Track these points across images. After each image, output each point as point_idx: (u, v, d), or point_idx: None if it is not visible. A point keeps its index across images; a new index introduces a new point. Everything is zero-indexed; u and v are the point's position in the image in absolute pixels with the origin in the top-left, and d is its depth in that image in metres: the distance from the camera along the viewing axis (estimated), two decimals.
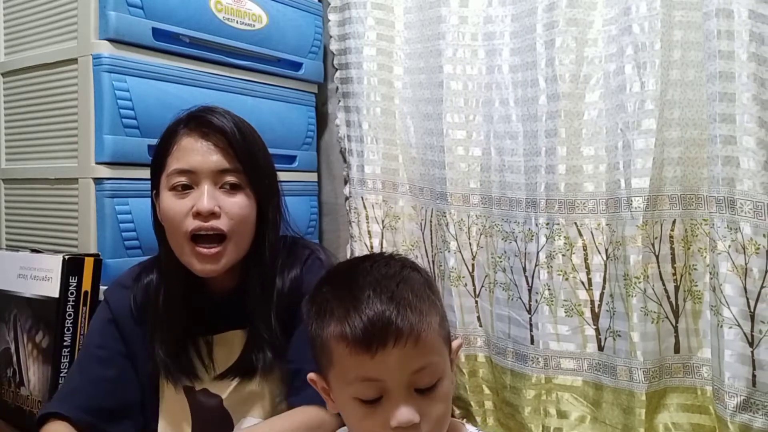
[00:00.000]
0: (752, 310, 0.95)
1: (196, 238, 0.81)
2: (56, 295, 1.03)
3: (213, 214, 0.79)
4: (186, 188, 0.81)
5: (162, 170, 0.83)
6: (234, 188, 0.82)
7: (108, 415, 0.87)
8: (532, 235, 1.20)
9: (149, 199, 1.12)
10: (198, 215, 0.79)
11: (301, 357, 0.83)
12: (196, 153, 0.80)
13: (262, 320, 0.85)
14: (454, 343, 0.67)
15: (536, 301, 1.19)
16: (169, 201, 0.81)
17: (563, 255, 1.16)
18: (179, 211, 0.80)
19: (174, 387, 0.88)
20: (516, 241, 1.23)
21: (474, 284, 1.31)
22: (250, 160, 0.83)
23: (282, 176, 1.40)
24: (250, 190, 0.83)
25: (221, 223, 0.80)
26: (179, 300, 0.86)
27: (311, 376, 0.64)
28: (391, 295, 0.60)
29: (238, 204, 0.82)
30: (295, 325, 0.86)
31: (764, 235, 0.94)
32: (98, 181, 1.09)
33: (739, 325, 0.96)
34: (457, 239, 1.31)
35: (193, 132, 0.82)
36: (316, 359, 0.64)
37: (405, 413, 0.57)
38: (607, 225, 1.13)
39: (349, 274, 0.64)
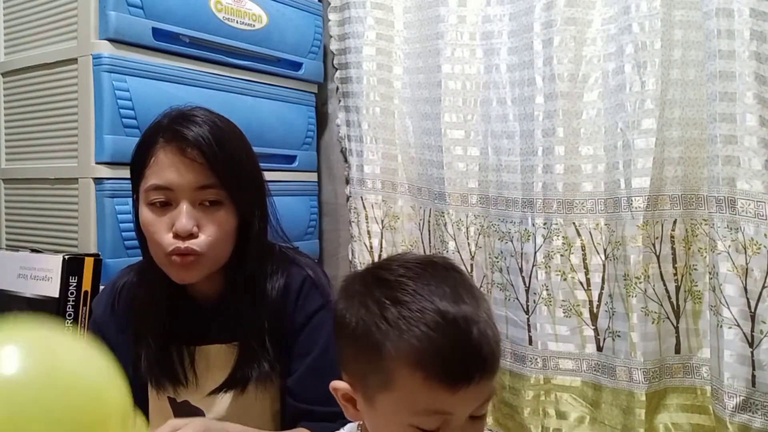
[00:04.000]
0: (753, 311, 0.95)
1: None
2: (56, 295, 1.03)
3: (191, 235, 0.78)
4: (164, 204, 0.78)
5: (140, 180, 0.81)
6: (213, 204, 0.79)
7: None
8: (529, 235, 1.19)
9: None
10: (177, 236, 0.77)
11: (308, 396, 0.81)
12: (173, 170, 0.77)
13: (254, 335, 0.83)
14: None
15: (534, 301, 1.19)
16: (148, 216, 0.79)
17: (561, 255, 1.16)
18: (158, 228, 0.78)
19: (158, 395, 0.86)
20: (512, 241, 1.22)
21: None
22: (229, 173, 0.79)
23: (282, 176, 1.43)
24: (230, 202, 0.80)
25: (197, 243, 0.77)
26: (161, 304, 0.84)
27: (336, 384, 0.60)
28: (476, 323, 0.54)
29: (217, 221, 0.79)
30: (282, 343, 0.85)
31: (766, 235, 0.94)
32: (98, 181, 1.09)
33: (738, 326, 0.96)
34: (455, 239, 1.31)
35: (169, 145, 0.78)
36: (358, 373, 0.58)
37: None
38: (605, 225, 1.13)
39: (414, 285, 0.56)
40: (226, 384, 0.84)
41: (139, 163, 0.81)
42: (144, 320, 0.85)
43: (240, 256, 0.83)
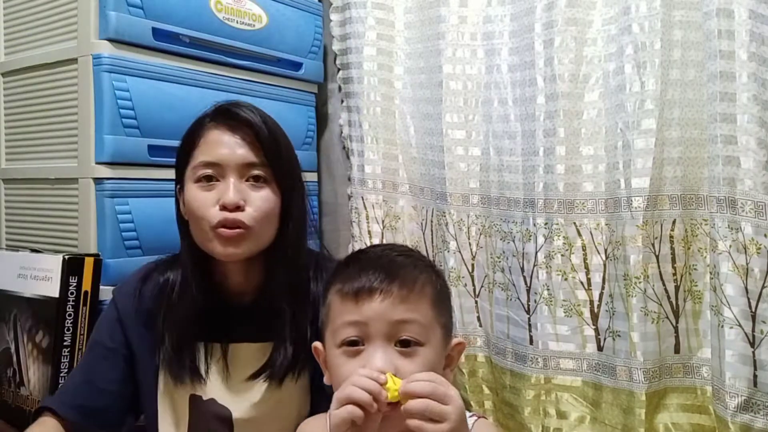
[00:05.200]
0: (753, 310, 0.95)
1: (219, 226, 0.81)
2: (56, 295, 1.03)
3: (238, 207, 0.79)
4: (212, 180, 0.81)
5: (188, 163, 0.83)
6: (259, 181, 0.82)
7: (102, 417, 0.88)
8: (530, 235, 1.19)
9: (149, 199, 1.14)
10: (224, 208, 0.79)
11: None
12: (223, 146, 0.81)
13: (296, 335, 0.83)
14: (454, 340, 0.69)
15: (535, 301, 1.19)
16: (195, 192, 0.81)
17: (562, 255, 1.16)
18: (204, 203, 0.80)
19: (175, 392, 0.87)
20: (514, 241, 1.22)
21: (474, 284, 1.31)
22: (276, 154, 0.83)
23: None
24: (275, 184, 0.83)
25: (244, 216, 0.80)
26: (198, 298, 0.84)
27: (316, 344, 0.69)
28: (390, 260, 0.68)
29: (263, 197, 0.82)
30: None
31: (765, 235, 0.94)
32: (98, 181, 1.09)
33: (740, 325, 0.96)
34: (456, 239, 1.31)
35: (219, 125, 0.82)
36: (321, 327, 0.70)
37: (378, 361, 0.61)
38: (606, 225, 1.13)
39: (364, 250, 0.75)
40: (257, 375, 0.84)
41: (186, 149, 0.84)
42: (175, 313, 0.85)
43: (281, 244, 0.85)
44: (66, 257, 1.03)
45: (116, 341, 0.90)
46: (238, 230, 0.79)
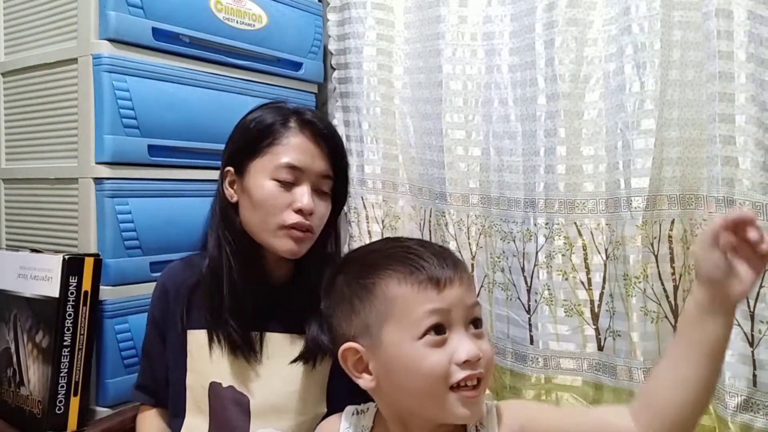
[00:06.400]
0: (752, 310, 0.95)
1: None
2: (56, 295, 1.03)
3: (311, 213, 0.87)
4: (290, 183, 0.87)
5: (258, 153, 0.87)
6: (323, 192, 0.90)
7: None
8: (531, 235, 1.20)
9: (149, 199, 1.14)
10: (300, 212, 0.86)
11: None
12: (308, 155, 0.87)
13: (320, 316, 0.87)
14: None
15: (535, 301, 1.19)
16: (272, 189, 0.86)
17: (563, 255, 1.16)
18: (281, 203, 0.86)
19: (197, 379, 0.89)
20: (514, 241, 1.23)
21: (473, 284, 1.31)
22: (343, 170, 0.92)
23: None
24: (331, 195, 0.91)
25: (312, 221, 0.88)
26: (246, 280, 0.89)
27: (348, 345, 0.66)
28: (441, 249, 0.68)
29: (326, 207, 0.90)
30: None
31: None
32: (98, 181, 1.09)
33: (739, 325, 0.96)
34: (456, 239, 1.32)
35: (306, 132, 0.88)
36: (360, 325, 0.65)
37: (471, 345, 0.62)
38: (606, 225, 1.13)
39: (387, 240, 0.73)
40: (298, 360, 0.88)
41: (262, 141, 0.88)
42: (238, 301, 0.88)
43: (319, 245, 0.92)
44: (66, 257, 1.03)
45: (161, 326, 0.95)
46: (306, 233, 0.87)
